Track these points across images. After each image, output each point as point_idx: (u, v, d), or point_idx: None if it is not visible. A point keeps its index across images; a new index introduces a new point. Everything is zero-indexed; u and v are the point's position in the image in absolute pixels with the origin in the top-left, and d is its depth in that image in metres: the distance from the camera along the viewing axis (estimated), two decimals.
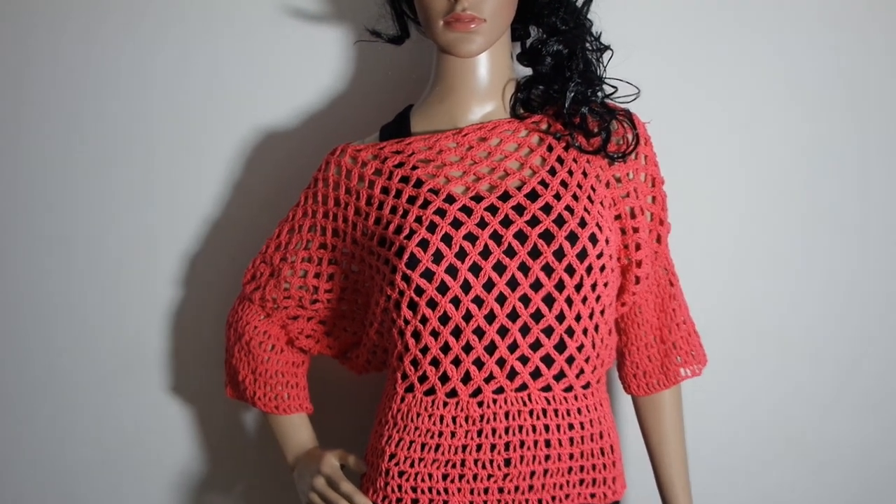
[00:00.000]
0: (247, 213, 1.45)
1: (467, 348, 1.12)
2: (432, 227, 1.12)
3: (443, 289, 1.11)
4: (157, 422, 1.48)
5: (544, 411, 1.14)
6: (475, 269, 1.11)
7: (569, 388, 1.15)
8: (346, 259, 1.24)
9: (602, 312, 1.16)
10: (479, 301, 1.11)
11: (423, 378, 1.14)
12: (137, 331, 1.46)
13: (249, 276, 1.29)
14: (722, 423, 1.43)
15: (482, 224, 1.12)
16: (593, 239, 1.13)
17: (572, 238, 1.11)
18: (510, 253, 1.11)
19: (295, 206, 1.28)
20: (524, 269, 1.11)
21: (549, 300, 1.12)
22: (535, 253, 1.11)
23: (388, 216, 1.16)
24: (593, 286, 1.13)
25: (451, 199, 1.14)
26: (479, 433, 1.13)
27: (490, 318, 1.12)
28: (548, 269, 1.11)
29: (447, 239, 1.12)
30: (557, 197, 1.14)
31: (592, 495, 1.15)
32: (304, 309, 1.27)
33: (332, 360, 1.38)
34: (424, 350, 1.13)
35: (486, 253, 1.12)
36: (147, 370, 1.47)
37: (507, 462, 1.13)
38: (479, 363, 1.12)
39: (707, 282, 1.39)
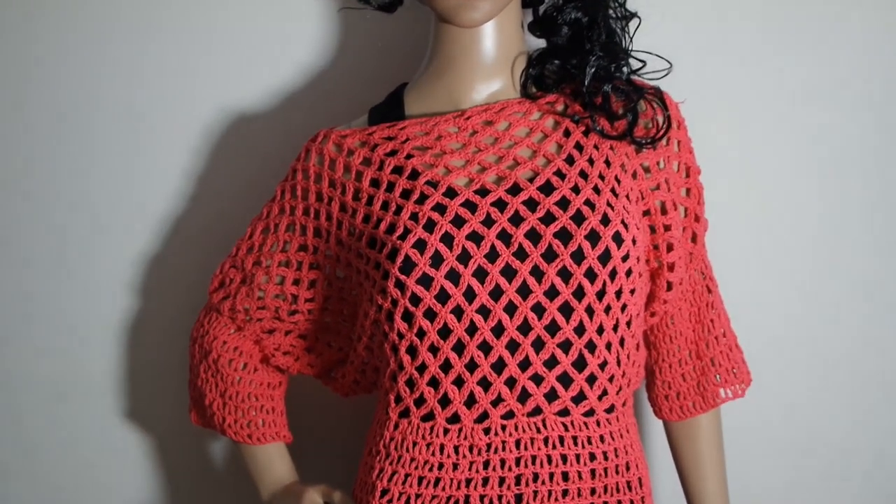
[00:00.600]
0: (213, 210, 1.42)
1: (471, 366, 1.09)
2: (430, 226, 1.09)
3: (443, 297, 1.08)
4: (111, 455, 1.45)
5: (561, 439, 1.10)
6: (480, 274, 1.08)
7: (590, 413, 1.11)
8: (329, 263, 1.21)
9: (628, 324, 1.13)
10: (484, 311, 1.09)
11: (419, 401, 1.11)
12: (85, 348, 1.44)
13: (217, 284, 1.27)
14: (762, 446, 1.40)
15: (488, 222, 1.09)
16: (618, 238, 1.10)
17: (593, 237, 1.08)
18: (521, 255, 1.08)
19: (270, 202, 1.25)
20: (537, 273, 1.08)
21: (566, 310, 1.09)
22: (550, 255, 1.08)
23: (379, 213, 1.13)
24: (618, 293, 1.10)
25: (451, 193, 1.11)
26: (486, 465, 1.10)
27: (498, 330, 1.09)
28: (565, 274, 1.08)
29: (447, 239, 1.09)
30: (576, 190, 1.11)
31: None
32: (281, 321, 1.24)
33: (313, 381, 1.35)
34: (421, 368, 1.10)
35: (492, 255, 1.09)
36: (97, 394, 1.44)
37: (519, 499, 1.10)
38: (485, 384, 1.09)
39: (747, 288, 1.36)
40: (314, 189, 1.20)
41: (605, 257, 1.09)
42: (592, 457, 1.11)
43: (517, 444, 1.10)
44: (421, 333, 1.10)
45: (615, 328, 1.11)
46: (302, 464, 1.31)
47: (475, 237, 1.09)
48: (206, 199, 1.43)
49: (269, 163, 1.38)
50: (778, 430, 1.41)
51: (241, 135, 1.40)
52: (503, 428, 1.10)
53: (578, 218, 1.09)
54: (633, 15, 1.17)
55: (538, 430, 1.10)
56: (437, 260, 1.09)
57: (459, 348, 1.09)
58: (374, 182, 1.16)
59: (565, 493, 1.10)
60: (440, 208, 1.10)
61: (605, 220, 1.10)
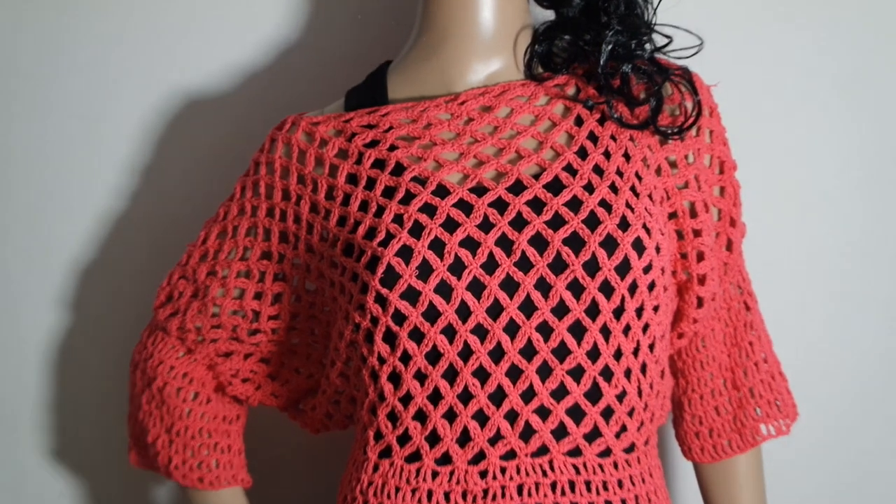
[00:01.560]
0: (160, 211, 1.42)
1: (465, 397, 1.09)
2: (417, 230, 1.10)
3: (432, 314, 1.09)
4: (34, 500, 1.45)
5: (572, 485, 1.11)
6: (476, 288, 1.09)
7: (606, 453, 1.12)
8: (298, 273, 1.21)
9: (651, 347, 1.13)
10: (481, 331, 1.09)
11: (404, 438, 1.12)
12: (2, 375, 1.43)
13: (164, 298, 1.27)
14: (807, 490, 1.41)
15: (486, 225, 1.10)
16: (639, 246, 1.10)
17: (610, 245, 1.09)
18: (524, 265, 1.09)
19: (227, 201, 1.25)
20: (544, 287, 1.09)
21: (578, 330, 1.09)
22: (558, 265, 1.09)
23: (357, 214, 1.14)
24: (639, 311, 1.11)
25: (443, 191, 1.12)
26: None
27: (497, 354, 1.09)
28: (576, 288, 1.09)
29: (438, 246, 1.09)
30: (589, 188, 1.11)
31: None
32: (239, 342, 1.25)
33: (278, 415, 1.35)
34: (406, 399, 1.11)
35: (491, 265, 1.09)
36: (17, 430, 1.44)
37: None
38: (481, 417, 1.09)
39: (787, 302, 1.37)
40: (280, 186, 1.20)
41: (623, 268, 1.09)
42: None
43: (519, 490, 1.10)
44: (406, 357, 1.10)
45: (636, 352, 1.12)
46: None
47: (470, 244, 1.10)
48: (150, 196, 1.43)
49: (227, 155, 1.39)
50: (825, 470, 1.42)
51: (195, 122, 1.40)
52: (503, 471, 1.10)
53: (592, 221, 1.10)
54: None
55: (544, 474, 1.10)
56: (425, 270, 1.09)
57: (451, 375, 1.09)
58: (351, 178, 1.16)
59: None
60: (429, 209, 1.11)
61: (624, 225, 1.10)
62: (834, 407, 1.41)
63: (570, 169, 1.12)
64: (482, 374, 1.09)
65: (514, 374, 1.09)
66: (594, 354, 1.10)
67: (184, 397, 1.25)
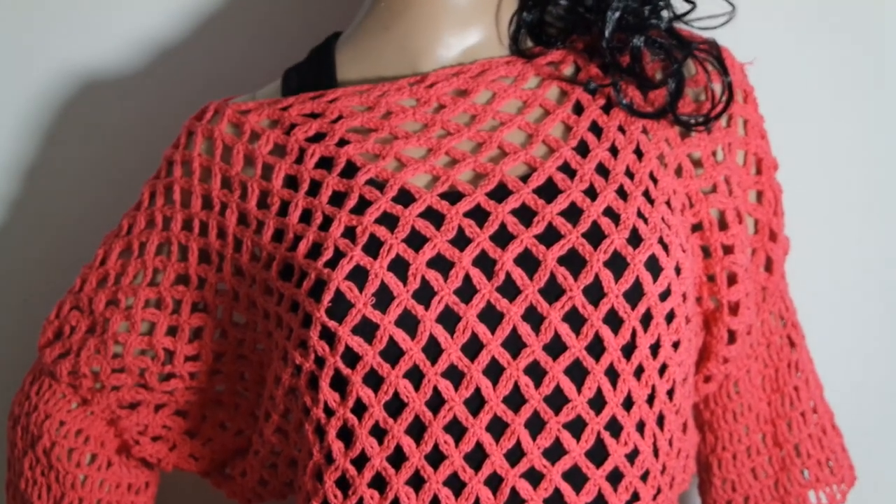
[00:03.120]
0: (47, 222, 1.44)
1: (436, 458, 1.11)
2: (374, 247, 1.12)
3: (392, 354, 1.10)
4: None
5: None
6: (449, 320, 1.11)
7: None
8: (223, 303, 1.23)
9: (670, 394, 1.15)
10: (455, 375, 1.11)
11: None
12: None
13: (51, 334, 1.28)
14: None
15: (461, 241, 1.12)
16: (654, 266, 1.12)
17: (618, 264, 1.11)
18: (510, 291, 1.11)
19: (133, 210, 1.26)
20: (534, 318, 1.11)
21: (577, 373, 1.11)
22: (553, 291, 1.11)
23: (298, 227, 1.15)
24: (654, 348, 1.13)
25: (406, 198, 1.13)
26: None
27: (475, 404, 1.10)
28: (576, 320, 1.11)
29: (400, 267, 1.11)
30: (591, 194, 1.13)
31: None
32: (148, 390, 1.26)
33: (198, 481, 1.36)
34: (360, 461, 1.12)
35: (467, 292, 1.11)
36: None
37: None
38: (455, 484, 1.11)
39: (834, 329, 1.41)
40: (199, 191, 1.22)
41: (634, 294, 1.11)
42: None
43: None
44: (360, 408, 1.11)
45: (650, 400, 1.14)
46: None
47: (441, 264, 1.11)
48: (34, 203, 1.44)
49: (132, 152, 1.40)
50: None
51: (89, 109, 1.41)
52: None
53: (595, 235, 1.11)
54: None
55: None
56: (384, 298, 1.10)
57: (418, 431, 1.11)
58: (289, 181, 1.18)
59: None
60: (389, 220, 1.12)
61: (636, 239, 1.12)
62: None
63: (566, 169, 1.14)
64: (457, 429, 1.10)
65: (497, 428, 1.11)
66: (598, 403, 1.11)
67: (77, 461, 1.26)
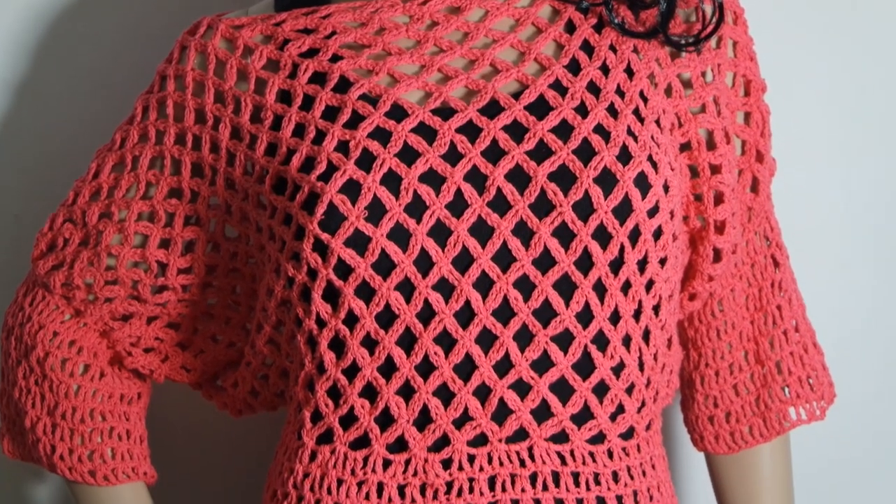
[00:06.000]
0: (38, 136, 1.43)
1: (425, 369, 1.12)
2: (367, 161, 1.12)
3: (385, 266, 1.11)
4: None
5: (556, 477, 1.14)
6: (440, 234, 1.11)
7: (598, 438, 1.15)
8: (215, 216, 1.23)
9: (656, 309, 1.17)
10: (446, 288, 1.12)
11: (348, 419, 1.15)
12: None
13: (45, 246, 1.28)
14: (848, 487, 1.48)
15: (453, 156, 1.12)
16: (643, 183, 1.13)
17: (607, 181, 1.12)
18: (501, 206, 1.12)
19: (126, 124, 1.26)
20: (524, 233, 1.12)
21: (566, 287, 1.12)
22: (543, 206, 1.12)
23: (291, 141, 1.16)
24: (642, 264, 1.14)
25: (399, 113, 1.14)
26: None
27: (465, 316, 1.12)
28: (565, 235, 1.12)
29: (393, 181, 1.12)
30: (582, 111, 1.14)
31: None
32: (141, 302, 1.27)
33: (190, 393, 1.37)
34: (351, 371, 1.14)
35: (458, 206, 1.12)
36: None
37: None
38: (445, 394, 1.13)
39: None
40: (193, 105, 1.22)
41: (623, 210, 1.12)
42: (602, 503, 1.15)
43: (491, 483, 1.13)
44: (351, 320, 1.13)
45: (637, 315, 1.15)
46: None
47: (433, 179, 1.12)
48: (24, 118, 1.44)
49: (124, 65, 1.39)
50: (870, 465, 1.50)
51: (77, 21, 1.40)
52: (471, 459, 1.13)
53: (586, 152, 1.12)
54: None
55: (522, 464, 1.14)
56: (376, 211, 1.11)
57: (408, 342, 1.12)
58: (283, 95, 1.18)
59: None
60: (382, 135, 1.13)
61: (625, 156, 1.13)
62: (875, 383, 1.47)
63: (558, 87, 1.15)
64: (446, 341, 1.12)
65: (487, 340, 1.12)
66: (585, 317, 1.13)
67: (71, 371, 1.27)
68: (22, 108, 1.45)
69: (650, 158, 1.14)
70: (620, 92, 1.15)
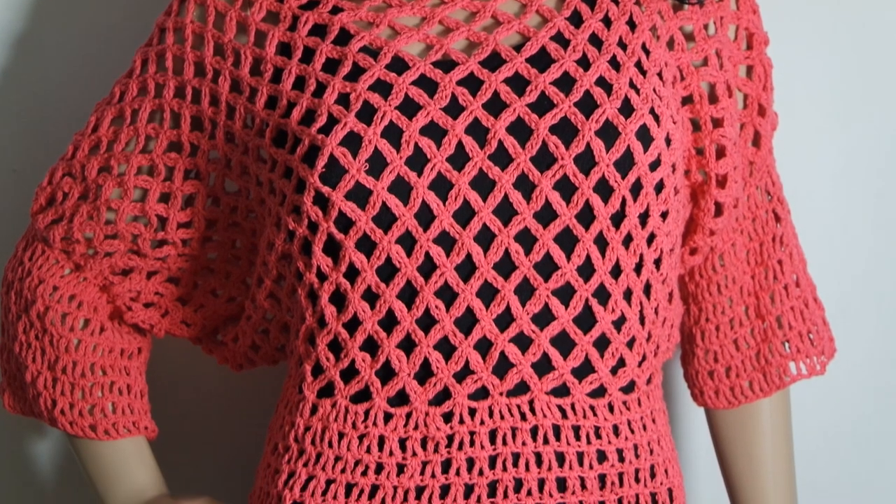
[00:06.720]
0: (36, 89, 1.43)
1: (426, 322, 1.13)
2: (368, 114, 1.12)
3: (385, 219, 1.12)
4: None
5: (557, 431, 1.15)
6: (441, 187, 1.11)
7: (599, 392, 1.16)
8: (215, 170, 1.23)
9: (657, 263, 1.17)
10: (447, 241, 1.12)
11: (349, 373, 1.15)
12: None
13: (44, 200, 1.28)
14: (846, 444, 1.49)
15: (454, 109, 1.12)
16: (645, 136, 1.13)
17: (609, 134, 1.12)
18: (502, 159, 1.12)
19: (125, 78, 1.26)
20: (526, 186, 1.12)
21: (567, 240, 1.12)
22: (544, 159, 1.11)
23: (291, 94, 1.16)
24: (643, 217, 1.14)
25: (400, 66, 1.14)
26: (447, 467, 1.14)
27: (466, 270, 1.12)
28: (566, 188, 1.12)
29: (393, 134, 1.12)
30: (584, 63, 1.14)
31: None
32: (141, 256, 1.26)
33: (190, 348, 1.38)
34: (352, 325, 1.14)
35: (460, 159, 1.12)
36: None
37: None
38: (446, 347, 1.13)
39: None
40: (192, 58, 1.21)
41: (625, 163, 1.12)
42: (602, 457, 1.16)
43: (492, 436, 1.14)
44: (352, 273, 1.13)
45: (638, 269, 1.15)
46: (173, 468, 1.34)
47: (434, 131, 1.12)
48: (24, 73, 1.43)
49: (122, 18, 1.38)
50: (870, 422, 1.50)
51: None
52: (472, 413, 1.14)
53: (587, 104, 1.12)
54: None
55: (523, 417, 1.14)
56: (377, 164, 1.11)
57: (409, 295, 1.12)
58: (283, 48, 1.18)
59: None
60: (382, 87, 1.13)
61: (627, 109, 1.13)
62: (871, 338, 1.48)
63: (560, 39, 1.15)
64: (447, 294, 1.12)
65: (488, 294, 1.12)
66: (587, 271, 1.13)
67: (71, 325, 1.27)
68: (20, 63, 1.45)
69: (652, 111, 1.14)
70: (622, 44, 1.15)
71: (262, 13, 1.18)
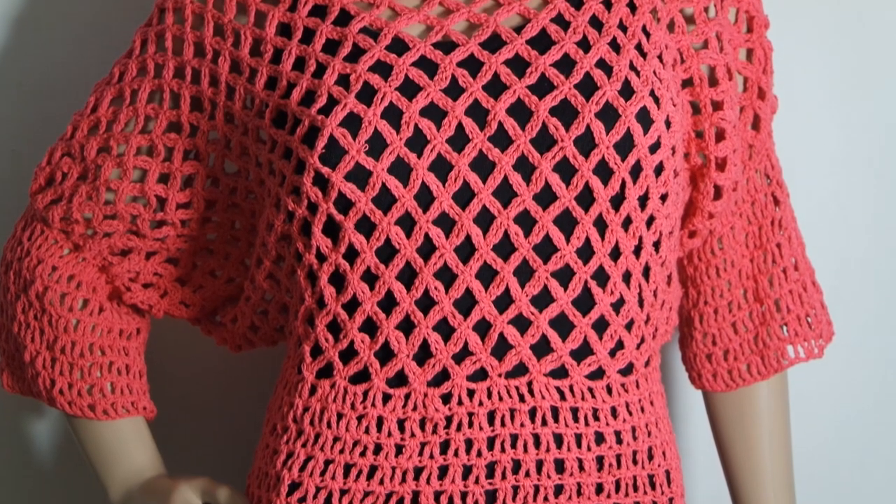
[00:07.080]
0: (37, 71, 1.43)
1: (425, 303, 1.13)
2: (368, 95, 1.12)
3: (385, 200, 1.12)
4: None
5: (555, 412, 1.15)
6: (441, 168, 1.12)
7: (598, 374, 1.16)
8: (215, 150, 1.23)
9: (656, 246, 1.17)
10: (446, 222, 1.12)
11: (348, 354, 1.15)
12: None
13: (43, 180, 1.28)
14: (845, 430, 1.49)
15: (454, 90, 1.12)
16: (645, 118, 1.13)
17: (609, 116, 1.12)
18: (502, 141, 1.12)
19: (124, 58, 1.26)
20: (525, 168, 1.12)
21: (566, 222, 1.12)
22: (544, 141, 1.12)
23: (291, 75, 1.16)
24: (643, 200, 1.14)
25: (400, 47, 1.14)
26: (445, 448, 1.14)
27: (465, 251, 1.12)
28: (566, 170, 1.12)
29: (393, 115, 1.12)
30: (585, 45, 1.14)
31: None
32: (140, 237, 1.27)
33: (189, 328, 1.38)
34: (352, 306, 1.14)
35: (459, 140, 1.12)
36: None
37: (491, 498, 1.14)
38: (445, 329, 1.13)
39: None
40: (192, 38, 1.21)
41: (625, 145, 1.12)
42: (600, 438, 1.16)
43: (490, 417, 1.14)
44: (352, 254, 1.13)
45: (637, 251, 1.16)
46: (172, 448, 1.34)
47: (434, 113, 1.12)
48: (24, 53, 1.43)
49: (113, 4, 1.39)
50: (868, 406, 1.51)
51: None
52: (470, 394, 1.14)
53: (588, 86, 1.12)
54: None
55: (521, 399, 1.14)
56: (377, 145, 1.11)
57: (408, 276, 1.12)
58: (283, 28, 1.18)
59: (559, 490, 1.15)
60: (383, 69, 1.13)
61: (627, 91, 1.13)
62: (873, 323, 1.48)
63: (560, 20, 1.15)
64: (447, 276, 1.12)
65: (487, 275, 1.12)
66: (586, 253, 1.13)
67: (70, 306, 1.27)
68: (20, 42, 1.44)
69: (652, 93, 1.14)
70: (623, 26, 1.15)
71: None
